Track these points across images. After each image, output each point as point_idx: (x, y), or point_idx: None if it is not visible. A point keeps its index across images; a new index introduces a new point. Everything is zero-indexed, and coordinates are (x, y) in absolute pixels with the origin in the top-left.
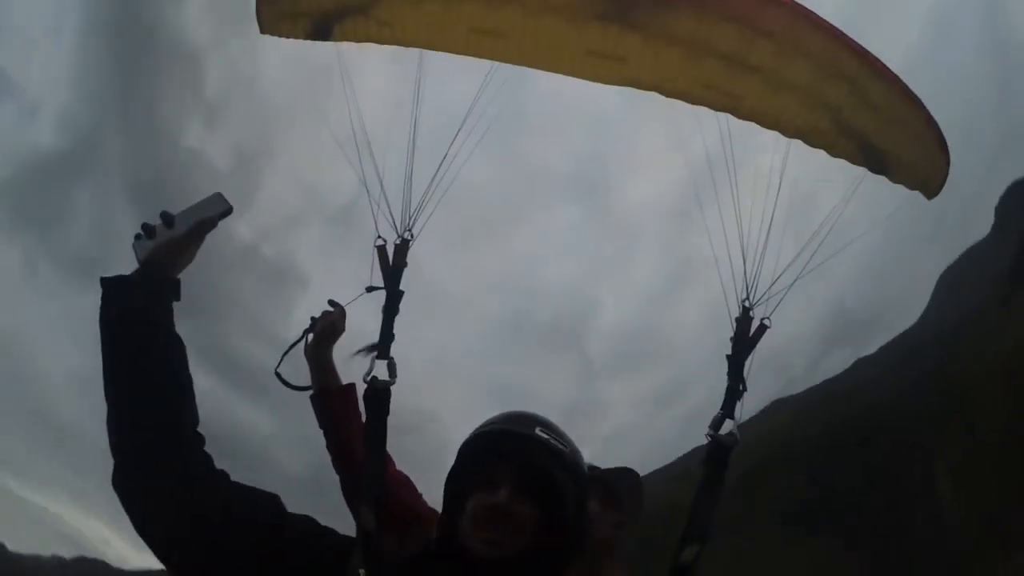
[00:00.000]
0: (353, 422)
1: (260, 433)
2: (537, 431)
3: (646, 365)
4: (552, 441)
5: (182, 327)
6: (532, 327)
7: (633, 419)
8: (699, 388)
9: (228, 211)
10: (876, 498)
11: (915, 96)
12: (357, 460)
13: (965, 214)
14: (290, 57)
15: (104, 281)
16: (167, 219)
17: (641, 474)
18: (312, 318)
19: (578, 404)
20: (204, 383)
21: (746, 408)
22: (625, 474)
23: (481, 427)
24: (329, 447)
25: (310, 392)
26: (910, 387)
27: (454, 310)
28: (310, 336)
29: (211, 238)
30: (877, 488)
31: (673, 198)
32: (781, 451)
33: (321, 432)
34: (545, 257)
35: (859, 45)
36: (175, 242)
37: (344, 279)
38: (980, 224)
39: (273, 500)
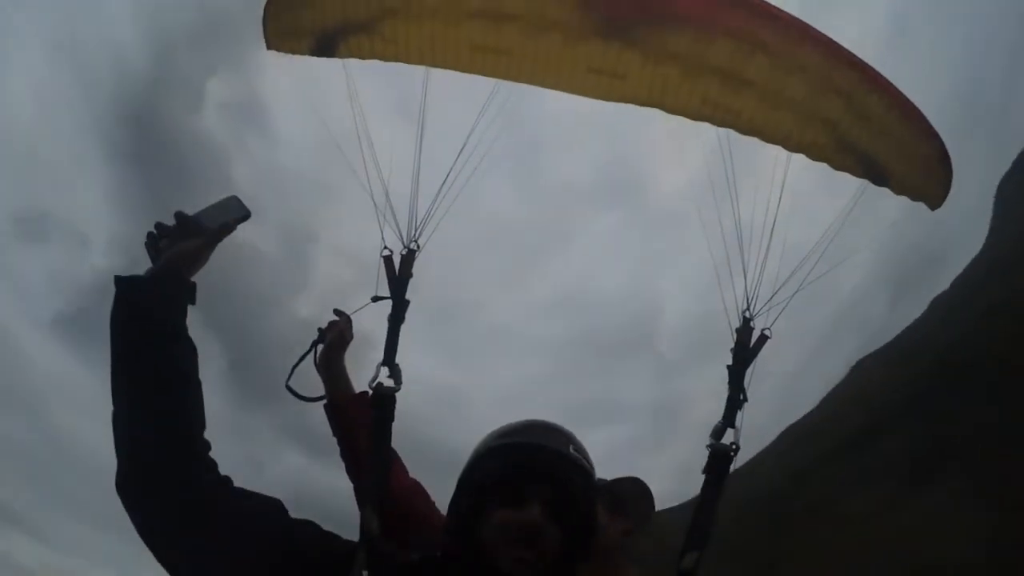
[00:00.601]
0: (366, 430)
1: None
2: (571, 450)
3: (721, 350)
4: (582, 460)
5: (280, 414)
6: (601, 339)
7: (717, 407)
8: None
9: (246, 216)
10: (992, 438)
11: (914, 108)
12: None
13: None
14: (304, 141)
15: (119, 280)
16: (182, 221)
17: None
18: (319, 329)
19: (662, 403)
20: (294, 462)
21: (833, 369)
22: (632, 483)
23: (508, 435)
24: (343, 455)
25: (323, 402)
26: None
27: (523, 345)
28: (319, 348)
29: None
30: (993, 428)
31: (703, 181)
32: (881, 408)
33: (335, 440)
34: (597, 268)
35: (855, 58)
36: (192, 244)
37: (408, 337)
38: None
39: (276, 506)
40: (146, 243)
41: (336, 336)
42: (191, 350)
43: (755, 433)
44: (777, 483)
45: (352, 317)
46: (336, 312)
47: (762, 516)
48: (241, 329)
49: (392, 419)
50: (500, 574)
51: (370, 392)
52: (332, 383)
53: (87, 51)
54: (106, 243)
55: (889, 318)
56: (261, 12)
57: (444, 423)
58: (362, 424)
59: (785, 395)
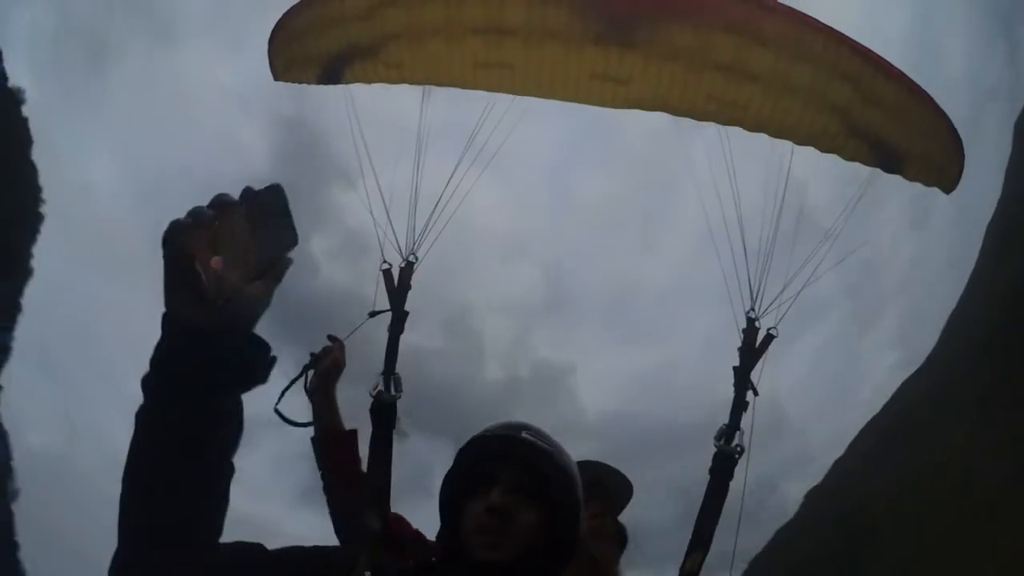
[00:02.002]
0: (354, 470)
1: None
2: (523, 434)
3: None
4: (538, 442)
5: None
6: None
7: None
8: None
9: (294, 243)
10: None
11: (922, 90)
12: (356, 509)
13: None
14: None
15: (172, 316)
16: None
17: None
18: (312, 354)
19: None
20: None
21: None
22: (607, 468)
23: (472, 437)
24: (327, 489)
25: (311, 432)
26: None
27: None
28: (310, 373)
29: None
30: None
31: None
32: None
33: (320, 472)
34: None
35: (860, 44)
36: (263, 292)
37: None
38: None
39: (259, 550)
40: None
41: (331, 364)
42: (237, 430)
43: None
44: None
45: (346, 343)
46: (330, 338)
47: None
48: None
49: (393, 425)
50: (482, 563)
51: (371, 396)
52: (323, 413)
53: None
54: None
55: None
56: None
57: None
58: (354, 464)
59: None
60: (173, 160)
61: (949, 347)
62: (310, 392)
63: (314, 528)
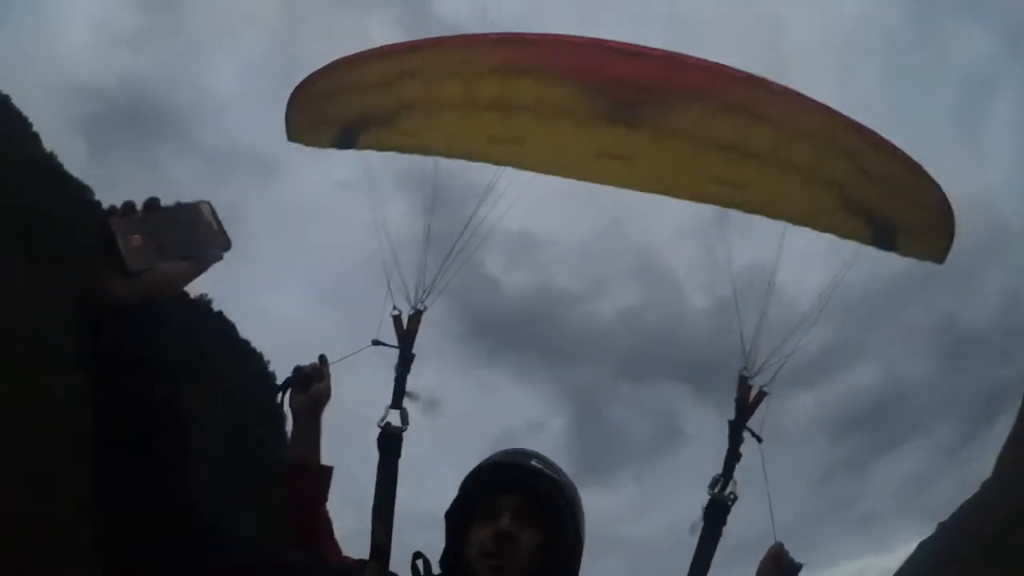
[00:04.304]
0: (319, 514)
1: None
2: (532, 462)
3: None
4: (546, 470)
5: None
6: None
7: None
8: None
9: (228, 247)
10: None
11: (916, 163)
12: (320, 542)
13: None
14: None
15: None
16: (150, 207)
17: None
18: (298, 367)
19: None
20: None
21: None
22: None
23: (479, 464)
24: (292, 518)
25: (288, 462)
26: None
27: None
28: (289, 391)
29: None
30: None
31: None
32: None
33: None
34: None
35: (856, 122)
36: (180, 273)
37: None
38: None
39: (272, 543)
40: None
41: (324, 388)
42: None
43: None
44: None
45: (332, 372)
46: (321, 359)
47: None
48: None
49: (399, 455)
50: None
51: (379, 428)
52: (305, 440)
53: None
54: None
55: None
56: (285, 106)
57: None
58: (322, 500)
59: None
60: None
61: None
62: (296, 413)
63: (589, 509)
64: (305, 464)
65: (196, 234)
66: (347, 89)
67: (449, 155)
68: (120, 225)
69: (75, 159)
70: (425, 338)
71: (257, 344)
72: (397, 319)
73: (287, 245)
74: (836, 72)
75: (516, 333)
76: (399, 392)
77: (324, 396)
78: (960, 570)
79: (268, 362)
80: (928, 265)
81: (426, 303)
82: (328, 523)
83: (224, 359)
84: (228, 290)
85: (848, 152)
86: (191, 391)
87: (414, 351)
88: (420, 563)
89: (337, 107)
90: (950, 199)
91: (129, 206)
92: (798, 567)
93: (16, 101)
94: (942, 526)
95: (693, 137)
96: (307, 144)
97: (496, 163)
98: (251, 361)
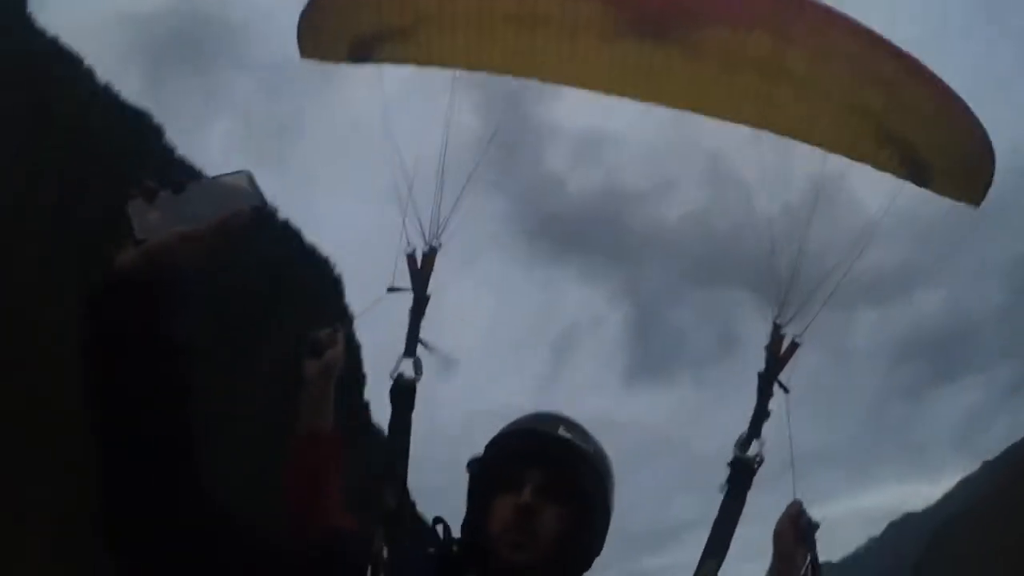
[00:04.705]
0: (335, 478)
1: None
2: (561, 431)
3: None
4: (575, 440)
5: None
6: None
7: None
8: None
9: (261, 206)
10: None
11: (958, 97)
12: (329, 521)
13: None
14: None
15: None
16: (175, 187)
17: None
18: (312, 336)
19: None
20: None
21: None
22: None
23: (505, 428)
24: (295, 490)
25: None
26: None
27: None
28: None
29: None
30: None
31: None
32: None
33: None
34: None
35: (896, 47)
36: (186, 234)
37: None
38: None
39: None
40: (128, 206)
41: (337, 354)
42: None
43: None
44: None
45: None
46: (334, 328)
47: None
48: None
49: (412, 408)
50: (505, 564)
51: (392, 380)
52: (317, 408)
53: None
54: None
55: None
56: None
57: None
58: (337, 471)
59: None
60: None
61: None
62: (309, 380)
63: (644, 406)
64: (317, 433)
65: (223, 203)
66: (361, 3)
67: (467, 68)
68: (137, 207)
69: (132, 87)
70: (488, 234)
71: (323, 249)
72: (411, 257)
73: (345, 155)
74: None
75: (581, 231)
76: (412, 339)
77: (337, 363)
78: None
79: (335, 266)
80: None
81: (442, 240)
82: (340, 495)
83: (293, 269)
84: (289, 201)
85: (886, 80)
86: (261, 313)
87: (429, 292)
88: (440, 528)
89: (350, 21)
90: (989, 139)
91: (149, 188)
92: (816, 526)
93: (67, 38)
94: (986, 465)
95: (724, 55)
96: (321, 59)
97: (516, 75)
98: (320, 266)
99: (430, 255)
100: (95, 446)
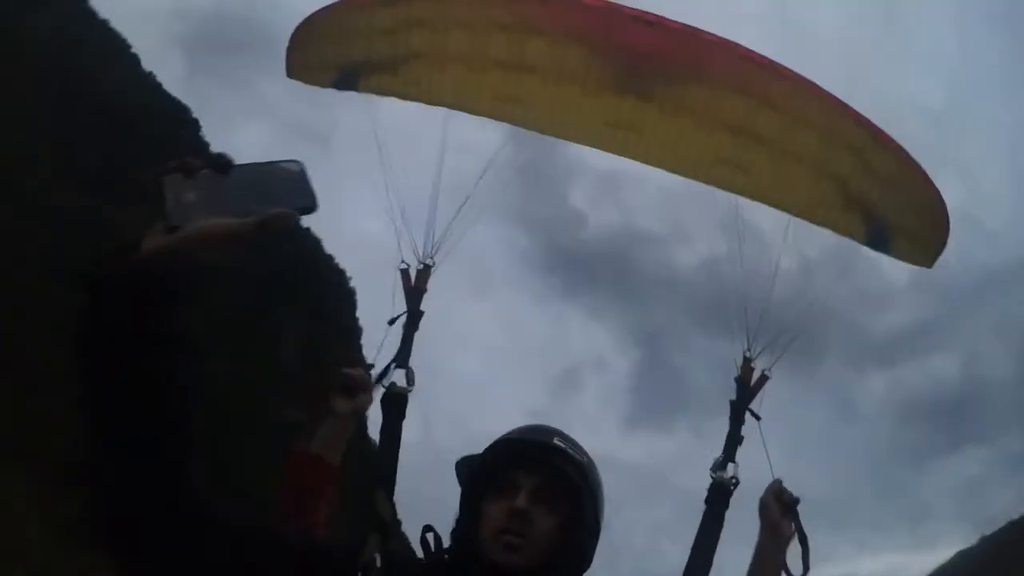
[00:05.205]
0: (322, 503)
1: None
2: (555, 440)
3: None
4: (569, 450)
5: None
6: None
7: None
8: None
9: (311, 207)
10: None
11: (919, 166)
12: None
13: None
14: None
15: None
16: (221, 166)
17: None
18: (345, 373)
19: None
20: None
21: None
22: None
23: (500, 436)
24: (287, 502)
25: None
26: None
27: None
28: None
29: None
30: None
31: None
32: None
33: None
34: None
35: (863, 116)
36: (226, 227)
37: None
38: None
39: (281, 534)
40: (163, 180)
41: (367, 401)
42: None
43: None
44: None
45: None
46: (368, 374)
47: None
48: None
49: (403, 416)
50: (495, 565)
51: (383, 388)
52: (330, 441)
53: None
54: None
55: None
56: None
57: None
58: (327, 498)
59: None
60: None
61: None
62: (338, 416)
63: (642, 451)
64: (320, 457)
65: (271, 197)
66: (352, 32)
67: (452, 107)
68: (174, 182)
69: (174, 78)
70: (504, 265)
71: (340, 261)
72: (405, 273)
73: (374, 163)
74: None
75: (594, 269)
76: (405, 351)
77: (366, 408)
78: None
79: (350, 278)
80: None
81: (435, 259)
82: (325, 519)
83: (308, 276)
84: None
85: (853, 147)
86: (277, 311)
87: (423, 309)
88: (431, 537)
89: (341, 49)
90: (947, 206)
91: (187, 164)
92: (797, 500)
93: (115, 24)
94: (984, 540)
95: (702, 115)
96: (306, 82)
97: (500, 120)
98: (335, 277)
99: (424, 272)
100: (92, 443)
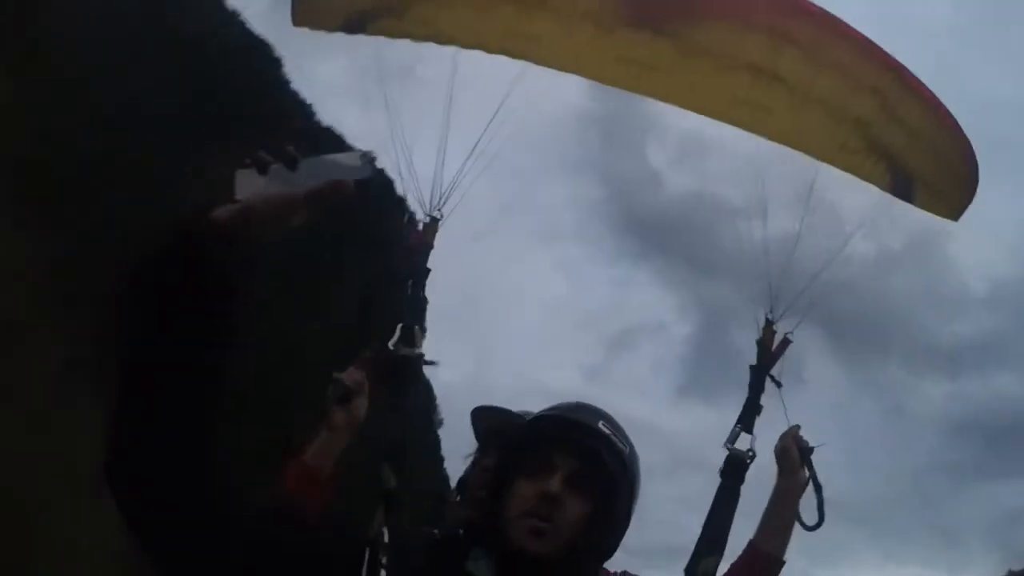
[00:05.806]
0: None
1: None
2: (600, 424)
3: None
4: (612, 437)
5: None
6: None
7: None
8: None
9: (367, 178)
10: None
11: (947, 111)
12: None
13: None
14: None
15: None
16: (289, 161)
17: None
18: (338, 382)
19: None
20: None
21: None
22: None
23: (543, 411)
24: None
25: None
26: None
27: None
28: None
29: None
30: None
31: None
32: None
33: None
34: None
35: (890, 57)
36: (290, 197)
37: None
38: None
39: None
40: (237, 174)
41: (363, 405)
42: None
43: None
44: None
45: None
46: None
47: None
48: None
49: (414, 380)
50: (518, 549)
51: (391, 349)
52: (326, 450)
53: None
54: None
55: None
56: None
57: None
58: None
59: None
60: None
61: None
62: (334, 428)
63: (688, 423)
64: (312, 468)
65: (330, 176)
66: None
67: (462, 46)
68: (245, 176)
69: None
70: (578, 219)
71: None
72: (412, 225)
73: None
74: None
75: (667, 232)
76: (413, 309)
77: (362, 413)
78: None
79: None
80: None
81: (443, 211)
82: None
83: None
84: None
85: (877, 89)
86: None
87: (429, 265)
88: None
89: None
90: (974, 152)
91: (263, 159)
92: (812, 449)
93: None
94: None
95: (720, 55)
96: (313, 28)
97: (511, 57)
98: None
99: (431, 225)
100: (119, 407)
